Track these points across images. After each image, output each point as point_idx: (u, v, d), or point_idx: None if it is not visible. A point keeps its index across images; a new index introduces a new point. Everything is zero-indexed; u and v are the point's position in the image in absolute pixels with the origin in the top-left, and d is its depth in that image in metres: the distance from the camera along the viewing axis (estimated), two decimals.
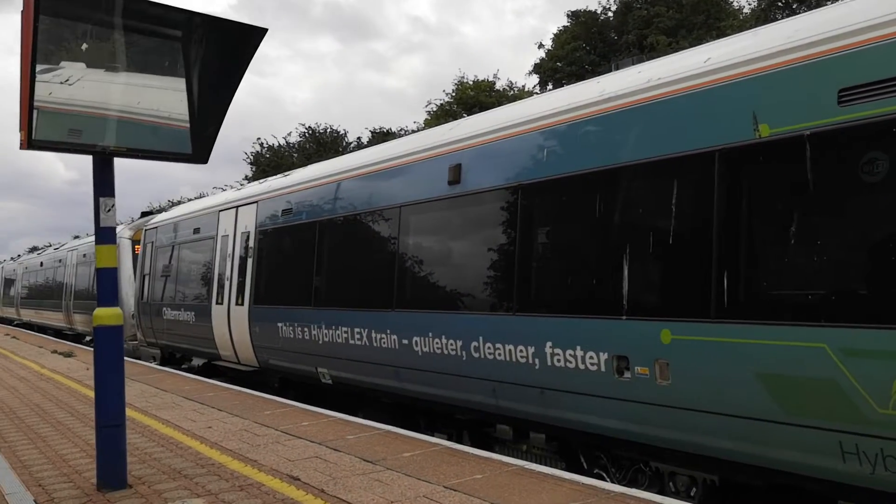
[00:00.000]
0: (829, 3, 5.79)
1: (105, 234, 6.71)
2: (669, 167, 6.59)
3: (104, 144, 6.60)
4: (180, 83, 6.96)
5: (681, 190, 6.52)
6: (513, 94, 46.56)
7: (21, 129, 6.03)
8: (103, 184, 6.69)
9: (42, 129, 6.29)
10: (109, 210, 6.68)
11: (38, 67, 6.04)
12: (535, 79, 48.94)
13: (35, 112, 6.07)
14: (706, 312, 6.12)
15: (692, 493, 6.73)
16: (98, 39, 6.91)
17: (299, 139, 56.61)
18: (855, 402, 5.15)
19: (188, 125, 6.99)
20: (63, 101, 6.44)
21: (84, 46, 6.69)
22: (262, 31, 6.88)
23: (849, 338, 5.21)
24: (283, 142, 56.93)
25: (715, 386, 6.07)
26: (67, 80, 6.44)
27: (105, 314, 6.62)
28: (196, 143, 7.07)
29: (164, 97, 6.93)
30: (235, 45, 6.93)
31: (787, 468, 5.76)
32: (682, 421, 6.37)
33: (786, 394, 5.58)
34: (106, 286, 6.75)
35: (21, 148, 6.06)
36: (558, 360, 7.40)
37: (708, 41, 7.16)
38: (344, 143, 55.23)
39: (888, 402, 4.98)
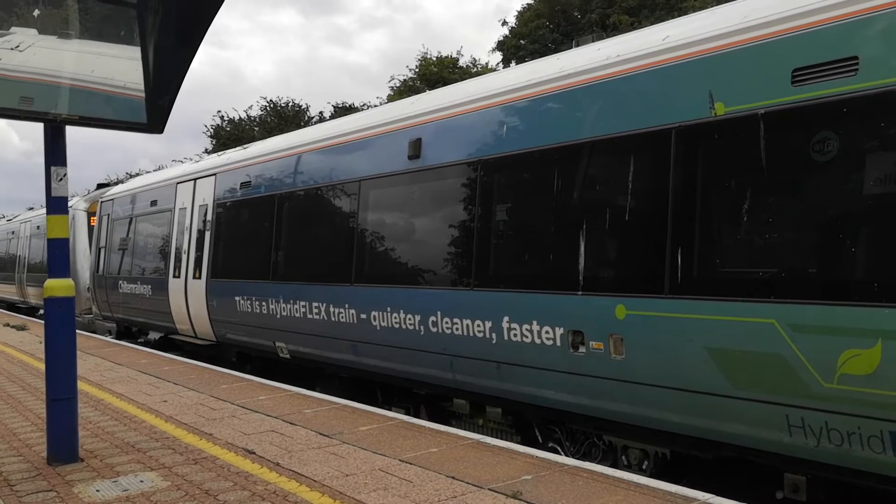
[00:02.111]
0: None
1: (56, 204, 6.58)
2: (626, 144, 6.64)
3: (56, 112, 6.46)
4: (136, 52, 6.83)
5: (637, 167, 6.57)
6: (476, 71, 46.33)
7: None
8: (55, 152, 6.56)
9: None
10: (61, 179, 6.56)
11: None
12: (498, 56, 48.78)
13: None
14: (660, 288, 6.20)
15: (644, 466, 6.85)
16: (51, 5, 6.77)
17: (260, 113, 55.94)
18: (801, 376, 5.27)
19: (143, 95, 6.87)
20: (14, 67, 6.31)
21: (36, 12, 6.55)
22: (218, 0, 6.76)
23: (797, 314, 5.32)
24: (244, 115, 56.19)
25: (667, 361, 6.17)
26: (18, 46, 6.31)
27: (56, 285, 6.51)
28: (151, 113, 6.95)
29: (119, 66, 6.80)
30: (192, 13, 6.80)
31: (736, 441, 5.89)
32: (636, 395, 6.47)
33: (735, 368, 5.69)
34: (57, 257, 6.63)
35: None
36: (515, 335, 7.45)
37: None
38: (306, 118, 54.66)
39: (833, 377, 5.11)
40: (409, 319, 8.77)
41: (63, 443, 6.59)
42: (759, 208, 5.68)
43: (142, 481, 6.00)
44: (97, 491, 5.75)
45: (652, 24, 7.38)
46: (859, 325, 5.02)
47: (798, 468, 5.67)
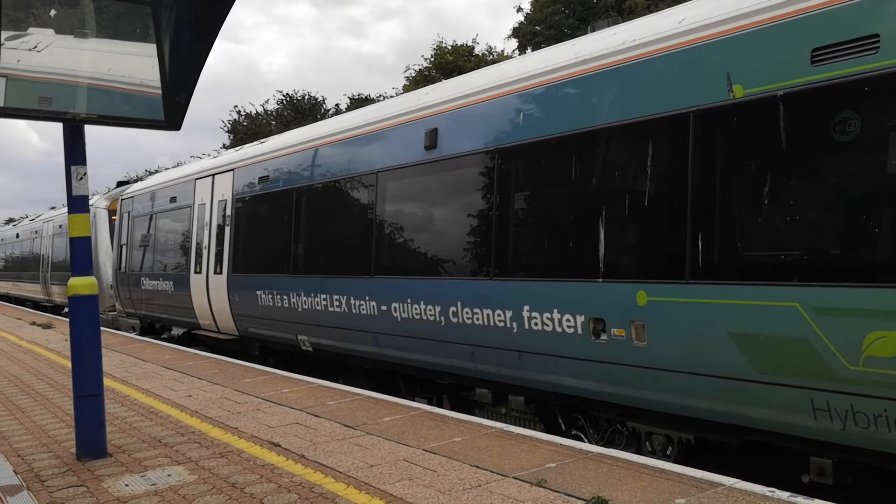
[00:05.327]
0: None
1: (78, 203, 6.63)
2: (644, 129, 6.60)
3: (75, 112, 6.51)
4: (152, 49, 6.85)
5: (656, 152, 6.53)
6: (492, 59, 46.15)
7: None
8: (75, 152, 6.61)
9: (11, 97, 6.21)
10: (81, 178, 6.61)
11: (5, 34, 5.96)
12: (514, 43, 48.61)
13: (3, 79, 5.99)
14: (681, 274, 6.17)
15: (668, 452, 6.83)
16: (67, 5, 6.81)
17: (277, 106, 56.09)
18: (826, 359, 5.23)
19: (160, 92, 6.90)
20: (32, 68, 6.36)
21: (52, 12, 6.59)
22: None
23: (820, 297, 5.28)
24: (260, 109, 56.43)
25: (690, 346, 6.14)
26: (36, 46, 6.35)
27: (80, 283, 6.58)
28: (168, 110, 6.98)
29: (135, 63, 6.83)
30: (206, 9, 6.82)
31: (761, 426, 5.85)
32: (658, 381, 6.45)
33: (759, 353, 5.65)
34: (80, 255, 6.69)
35: None
36: (536, 324, 7.44)
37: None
38: (322, 110, 54.73)
39: (858, 360, 5.06)
40: (430, 310, 8.78)
41: (91, 438, 6.67)
42: (779, 191, 5.63)
43: (169, 475, 6.06)
44: (126, 485, 5.82)
45: (668, 6, 7.31)
46: (884, 307, 4.97)
47: (824, 452, 5.62)
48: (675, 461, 6.46)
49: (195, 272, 15.08)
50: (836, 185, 5.41)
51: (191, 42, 6.95)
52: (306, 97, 56.08)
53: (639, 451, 6.92)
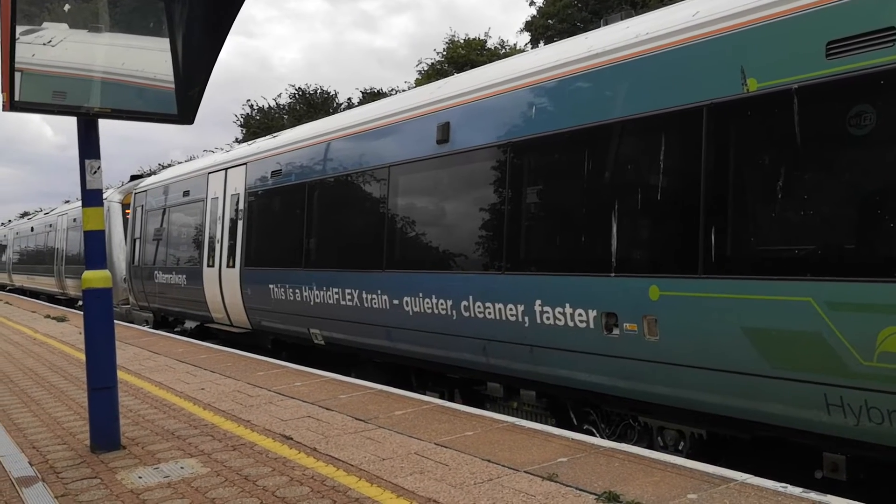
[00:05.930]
0: None
1: (92, 197, 6.67)
2: (657, 123, 6.57)
3: (88, 106, 6.56)
4: (165, 43, 6.90)
5: (669, 146, 6.50)
6: (504, 53, 45.98)
7: (2, 91, 5.98)
8: (88, 146, 6.65)
9: (26, 91, 6.25)
10: (95, 172, 6.64)
11: (20, 29, 5.99)
12: (526, 37, 48.41)
13: (18, 74, 6.02)
14: (694, 268, 6.14)
15: (680, 447, 6.81)
16: (81, 0, 6.84)
17: (289, 101, 56.15)
18: (839, 354, 5.20)
19: (173, 86, 6.93)
20: (46, 62, 6.40)
21: (66, 7, 6.62)
22: None
23: (834, 291, 5.25)
24: (273, 103, 56.49)
25: (702, 341, 6.12)
26: (50, 41, 6.38)
27: (93, 277, 6.62)
28: (181, 104, 7.02)
29: (148, 57, 6.87)
30: (219, 3, 6.84)
31: (774, 421, 5.83)
32: (670, 376, 6.43)
33: (772, 348, 5.63)
34: (94, 249, 6.73)
35: (3, 110, 6.03)
36: (547, 318, 7.43)
37: None
38: (334, 104, 54.75)
39: (872, 355, 5.03)
40: (442, 304, 8.79)
41: (105, 431, 6.72)
42: (793, 185, 5.59)
43: (182, 468, 6.09)
44: (139, 478, 5.86)
45: None
46: None
47: (837, 448, 5.59)
48: (687, 456, 6.44)
49: (208, 266, 15.14)
50: (851, 179, 5.38)
51: (203, 36, 6.97)
52: (318, 91, 56.14)
53: (650, 446, 6.90)
